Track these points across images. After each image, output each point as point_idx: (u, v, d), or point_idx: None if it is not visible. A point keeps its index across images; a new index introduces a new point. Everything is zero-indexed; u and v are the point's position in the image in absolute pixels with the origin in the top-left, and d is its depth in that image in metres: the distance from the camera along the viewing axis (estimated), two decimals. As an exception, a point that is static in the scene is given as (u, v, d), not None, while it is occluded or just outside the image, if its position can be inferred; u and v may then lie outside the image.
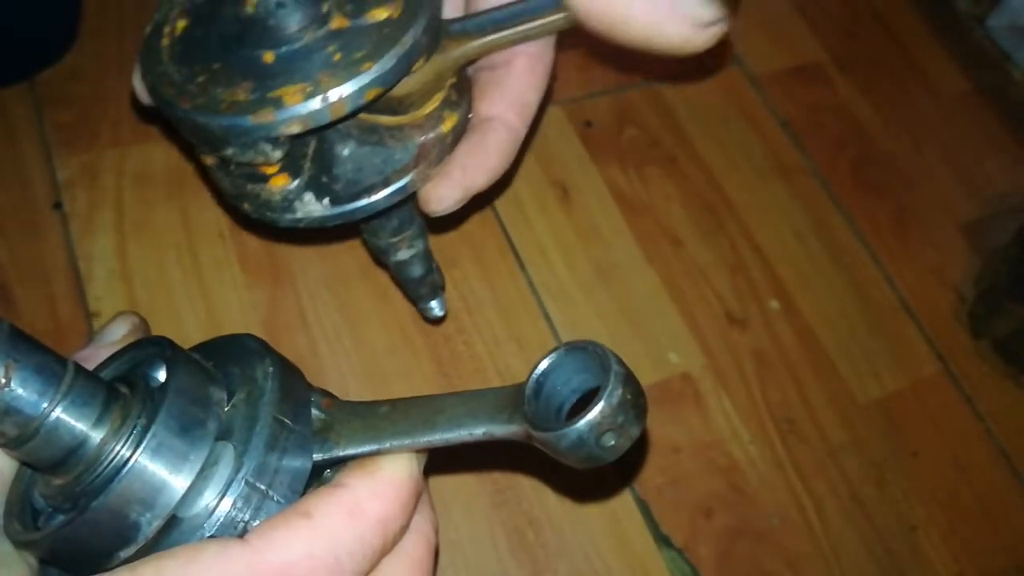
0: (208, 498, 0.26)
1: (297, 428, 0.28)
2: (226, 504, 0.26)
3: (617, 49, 0.35)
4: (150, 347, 0.29)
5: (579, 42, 0.62)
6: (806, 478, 0.52)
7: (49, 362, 0.25)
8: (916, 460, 0.54)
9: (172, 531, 0.25)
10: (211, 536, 0.25)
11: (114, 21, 0.57)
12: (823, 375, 0.56)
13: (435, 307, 0.46)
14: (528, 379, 0.26)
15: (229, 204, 0.38)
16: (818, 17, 0.73)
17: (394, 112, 0.36)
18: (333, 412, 0.29)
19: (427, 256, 0.43)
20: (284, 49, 0.33)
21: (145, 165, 0.52)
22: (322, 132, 0.34)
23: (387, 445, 0.28)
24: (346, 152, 0.36)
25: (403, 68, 0.33)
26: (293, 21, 0.33)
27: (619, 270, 0.56)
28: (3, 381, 0.24)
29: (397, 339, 0.50)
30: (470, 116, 0.38)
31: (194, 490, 0.25)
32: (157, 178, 0.52)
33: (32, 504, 0.28)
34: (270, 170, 0.34)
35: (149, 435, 0.25)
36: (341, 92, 0.31)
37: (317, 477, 0.29)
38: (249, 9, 0.33)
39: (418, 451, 0.28)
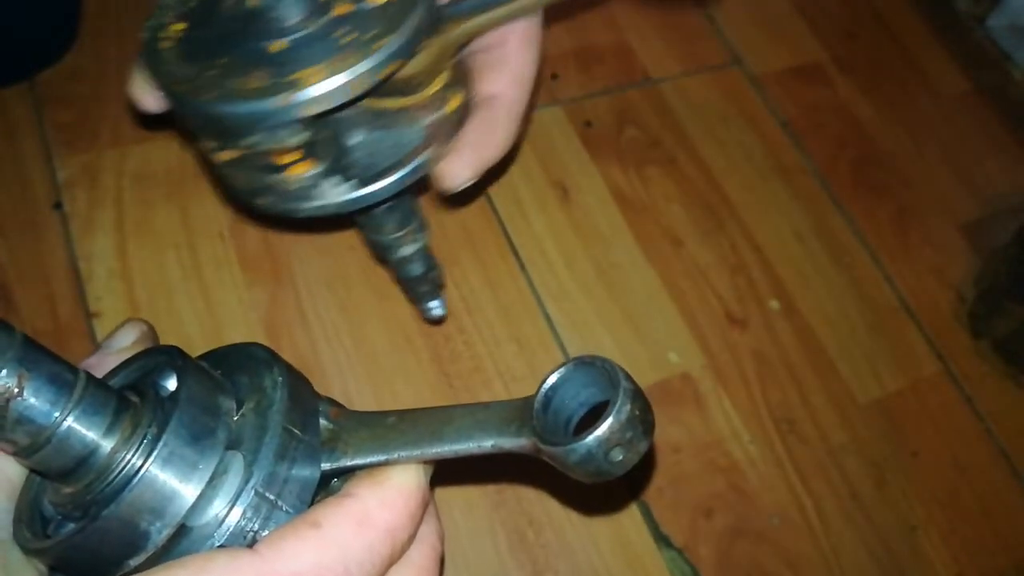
0: (218, 507, 0.26)
1: (306, 438, 0.28)
2: (236, 513, 0.26)
3: None
4: (159, 356, 0.29)
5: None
6: (806, 478, 0.52)
7: (61, 372, 0.25)
8: (916, 460, 0.54)
9: (182, 540, 0.25)
10: (221, 545, 0.26)
11: (114, 21, 0.57)
12: (823, 375, 0.56)
13: (436, 307, 0.46)
14: (537, 393, 0.26)
15: (243, 202, 0.38)
16: (818, 17, 0.73)
17: (402, 94, 0.36)
18: (341, 422, 0.30)
19: (428, 254, 0.44)
20: (293, 37, 0.33)
21: (145, 165, 0.52)
22: (333, 118, 0.35)
23: (395, 455, 0.28)
24: (358, 138, 0.37)
25: (414, 43, 0.34)
26: (297, 11, 0.33)
27: (619, 270, 0.56)
28: (16, 391, 0.24)
29: (397, 338, 0.50)
30: (472, 96, 0.40)
31: (204, 499, 0.26)
32: (157, 178, 0.52)
33: (42, 512, 0.28)
34: (288, 159, 0.35)
35: (160, 444, 0.25)
36: (359, 69, 0.32)
37: (325, 486, 0.29)
38: (252, 2, 0.33)
39: (426, 462, 0.28)
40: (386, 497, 0.27)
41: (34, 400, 0.25)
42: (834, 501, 0.51)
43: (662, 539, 0.48)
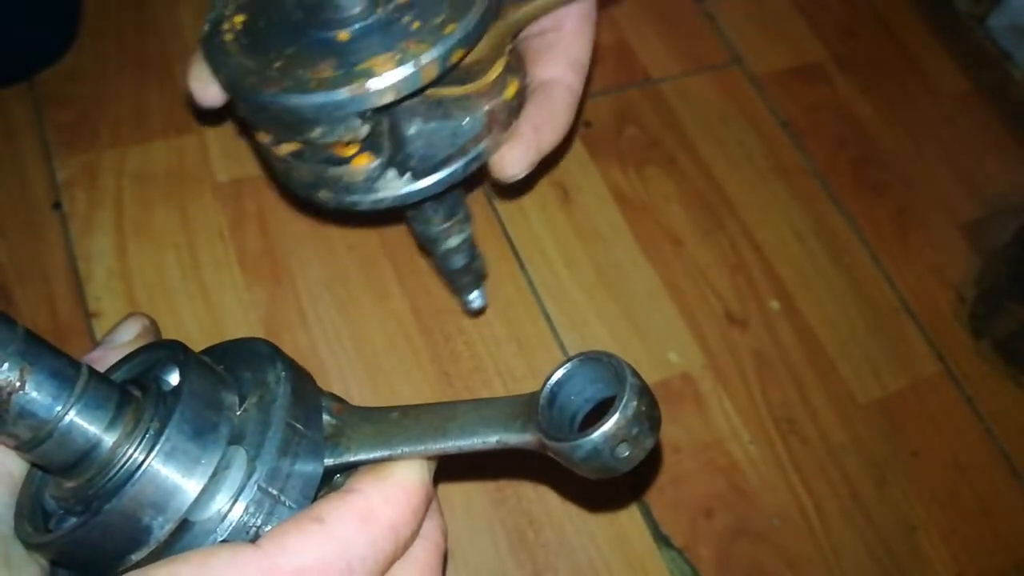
0: (220, 502, 0.26)
1: (309, 433, 0.28)
2: (238, 509, 0.26)
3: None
4: (162, 350, 0.29)
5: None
6: (806, 478, 0.52)
7: (63, 366, 0.26)
8: (916, 460, 0.54)
9: (184, 535, 0.25)
10: (223, 540, 0.26)
11: (113, 22, 0.57)
12: (823, 375, 0.56)
13: (476, 299, 0.47)
14: (542, 388, 0.26)
15: (303, 196, 0.38)
16: (818, 17, 0.73)
17: (461, 82, 0.36)
18: (344, 417, 0.30)
19: (472, 244, 0.44)
20: (358, 26, 0.33)
21: (145, 165, 0.53)
22: (396, 108, 0.35)
23: (399, 451, 0.28)
24: (416, 129, 0.37)
25: (482, 29, 0.34)
26: (360, 0, 0.33)
27: (619, 270, 0.56)
28: (18, 385, 0.24)
29: (397, 338, 0.50)
30: (528, 81, 0.39)
31: (206, 494, 0.26)
32: (157, 178, 0.52)
33: (43, 506, 0.28)
34: (351, 151, 0.35)
35: (162, 439, 0.25)
36: (431, 55, 0.32)
37: (328, 482, 0.29)
38: None
39: (430, 458, 0.28)
40: (389, 493, 0.27)
41: (36, 394, 0.25)
42: (834, 501, 0.51)
43: (662, 539, 0.48)
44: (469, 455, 0.27)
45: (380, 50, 0.32)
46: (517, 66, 0.39)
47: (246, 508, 0.26)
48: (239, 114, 0.37)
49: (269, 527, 0.26)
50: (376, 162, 0.36)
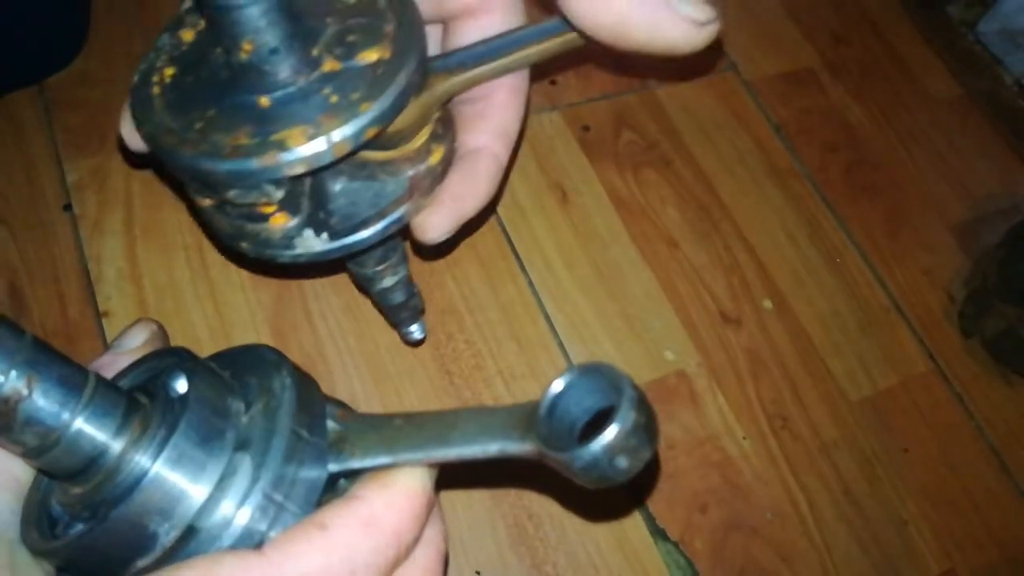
0: (226, 509, 0.26)
1: (313, 439, 0.28)
2: (244, 515, 0.26)
3: (617, 56, 0.36)
4: (169, 357, 0.30)
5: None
6: (799, 474, 0.53)
7: (71, 373, 0.26)
8: (907, 456, 0.56)
9: (190, 541, 0.26)
10: (228, 547, 0.26)
11: (123, 26, 0.58)
12: (815, 373, 0.57)
13: (415, 331, 0.47)
14: (542, 399, 0.26)
15: (225, 246, 0.38)
16: (811, 23, 0.74)
17: (385, 148, 0.36)
18: (348, 423, 0.30)
19: (409, 282, 0.44)
20: (279, 93, 0.33)
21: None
22: (318, 171, 0.35)
23: (402, 458, 0.28)
24: (339, 188, 0.37)
25: (399, 106, 0.33)
26: (286, 66, 0.33)
27: (617, 270, 0.57)
28: (25, 392, 0.24)
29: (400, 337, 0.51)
30: (455, 147, 0.39)
31: (212, 501, 0.26)
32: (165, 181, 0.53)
33: (50, 512, 0.28)
34: (270, 209, 0.35)
35: (169, 446, 0.26)
36: (343, 132, 0.32)
37: (332, 487, 0.29)
38: (243, 56, 0.33)
39: (431, 465, 0.29)
40: (392, 499, 0.27)
41: (43, 402, 0.25)
42: (826, 496, 0.53)
43: (658, 532, 0.49)
44: (472, 462, 0.28)
45: (296, 121, 0.32)
46: (444, 133, 0.39)
47: (251, 514, 0.26)
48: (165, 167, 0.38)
49: (274, 533, 0.26)
50: (294, 222, 0.36)
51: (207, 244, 0.52)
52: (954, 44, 0.76)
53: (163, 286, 0.50)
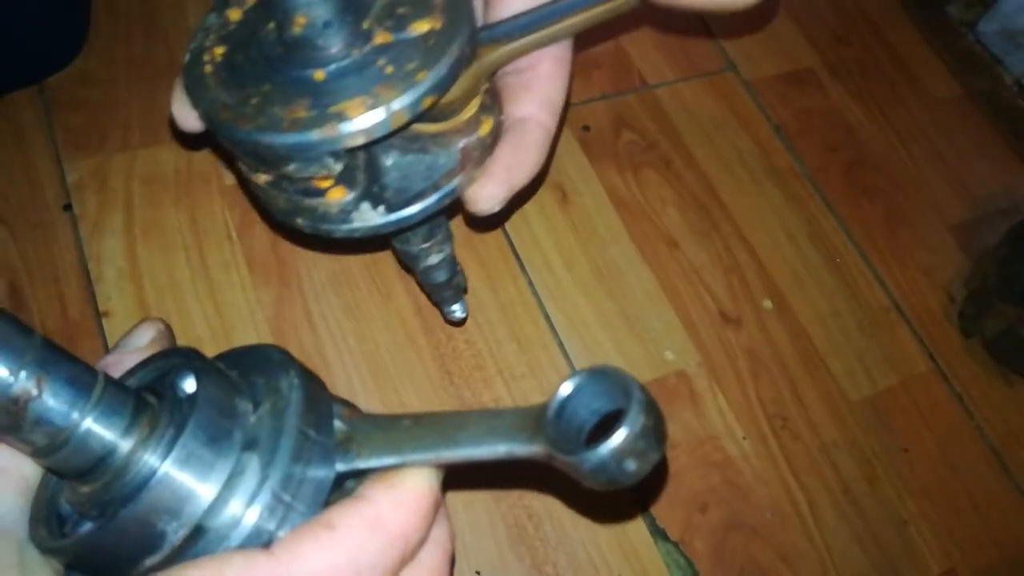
0: (234, 508, 0.26)
1: (321, 439, 0.28)
2: (252, 514, 0.26)
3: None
4: (177, 357, 0.30)
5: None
6: (799, 474, 0.53)
7: (80, 373, 0.26)
8: (907, 456, 0.56)
9: (198, 540, 0.26)
10: (237, 546, 0.26)
11: (123, 26, 0.58)
12: (815, 373, 0.57)
13: (457, 310, 0.47)
14: (551, 401, 0.26)
15: (280, 222, 0.39)
16: (811, 23, 0.74)
17: (436, 120, 0.37)
18: (355, 424, 0.30)
19: (453, 260, 0.44)
20: (334, 67, 0.34)
21: (154, 168, 0.53)
22: (372, 144, 0.35)
23: (409, 459, 0.28)
24: (392, 161, 0.37)
25: (454, 75, 0.34)
26: (339, 40, 0.33)
27: (616, 271, 0.57)
28: (35, 392, 0.24)
29: (401, 338, 0.51)
30: (503, 118, 0.40)
31: (220, 500, 0.26)
32: (166, 181, 0.53)
33: (58, 511, 0.28)
34: (327, 184, 0.35)
35: (178, 445, 0.26)
36: (401, 102, 0.32)
37: (339, 487, 0.29)
38: (296, 30, 0.33)
39: (438, 466, 0.29)
40: (399, 500, 0.27)
41: (52, 402, 0.25)
42: (826, 496, 0.53)
43: (658, 532, 0.49)
44: (477, 463, 0.28)
45: (353, 93, 0.32)
46: (492, 104, 0.39)
47: (259, 514, 0.26)
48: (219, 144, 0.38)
49: (282, 532, 0.26)
50: (351, 195, 0.36)
51: (207, 244, 0.52)
52: (954, 44, 0.76)
53: (163, 286, 0.50)
